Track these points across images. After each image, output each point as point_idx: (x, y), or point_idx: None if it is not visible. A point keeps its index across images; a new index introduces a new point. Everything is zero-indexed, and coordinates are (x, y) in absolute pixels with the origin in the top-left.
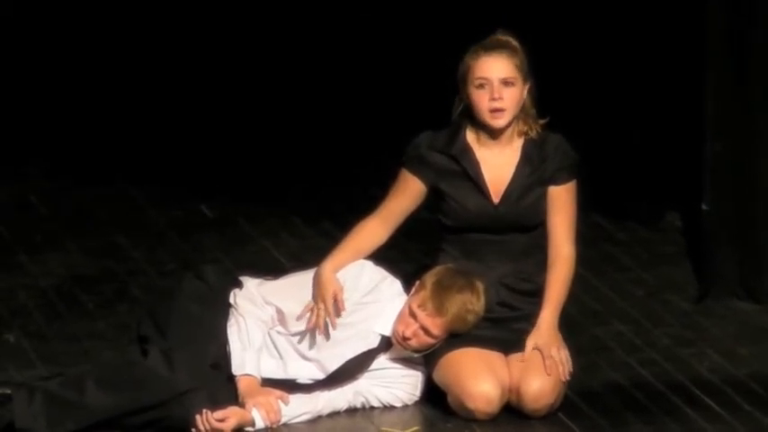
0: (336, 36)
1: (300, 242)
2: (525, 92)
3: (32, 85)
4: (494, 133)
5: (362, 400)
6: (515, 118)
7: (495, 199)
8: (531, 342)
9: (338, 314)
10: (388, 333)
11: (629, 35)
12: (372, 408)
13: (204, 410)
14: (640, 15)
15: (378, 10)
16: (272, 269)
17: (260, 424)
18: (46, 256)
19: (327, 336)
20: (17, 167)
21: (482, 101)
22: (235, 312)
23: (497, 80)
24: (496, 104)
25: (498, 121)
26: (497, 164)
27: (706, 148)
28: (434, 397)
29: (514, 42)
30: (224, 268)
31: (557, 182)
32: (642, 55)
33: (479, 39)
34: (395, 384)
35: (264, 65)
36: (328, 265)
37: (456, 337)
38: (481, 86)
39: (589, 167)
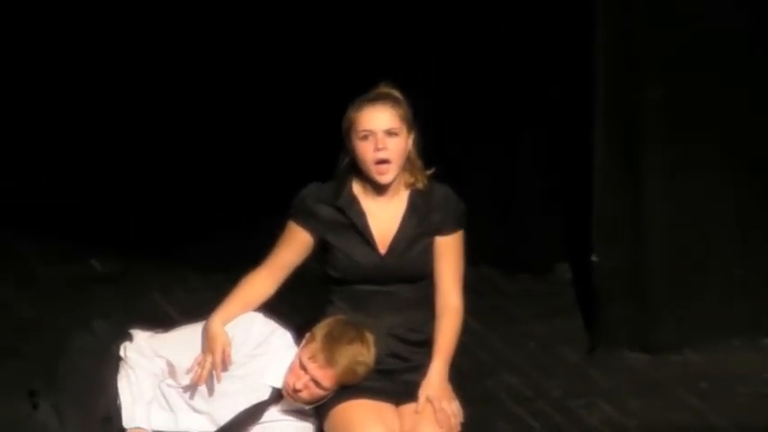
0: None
1: (190, 295)
2: (410, 142)
3: None
4: (379, 186)
5: None
6: (401, 169)
7: (382, 250)
8: (422, 393)
9: (225, 368)
10: (278, 385)
11: (519, 82)
12: None
13: None
14: (530, 64)
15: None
16: (163, 322)
17: None
18: None
19: (216, 388)
20: None
21: (367, 152)
22: (125, 365)
23: (381, 131)
24: (381, 155)
25: (384, 177)
26: (384, 215)
27: (594, 200)
28: None
29: (397, 94)
30: (114, 321)
31: (443, 232)
32: (532, 102)
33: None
34: None
35: (160, 127)
36: (217, 317)
37: (347, 389)
38: (365, 138)
39: (477, 218)
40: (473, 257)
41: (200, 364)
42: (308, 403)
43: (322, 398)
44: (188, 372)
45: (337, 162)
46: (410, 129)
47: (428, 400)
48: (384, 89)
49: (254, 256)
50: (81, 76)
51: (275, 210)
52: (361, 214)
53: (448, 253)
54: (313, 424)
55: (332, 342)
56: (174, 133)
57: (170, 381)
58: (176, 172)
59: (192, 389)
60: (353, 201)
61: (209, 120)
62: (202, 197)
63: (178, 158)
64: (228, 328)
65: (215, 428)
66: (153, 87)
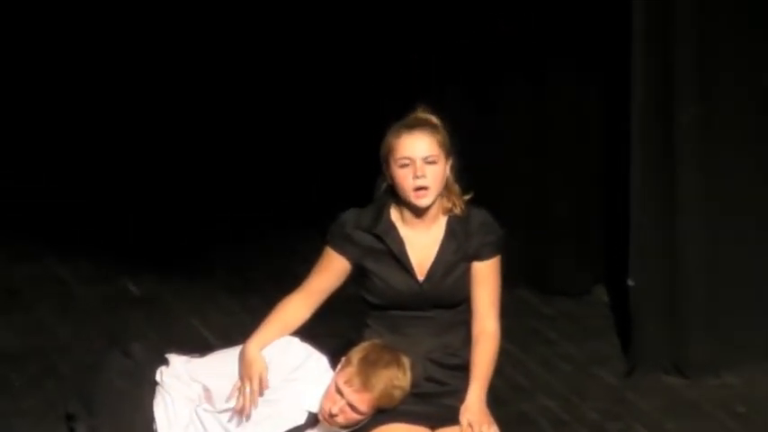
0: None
1: (227, 318)
2: (448, 169)
3: None
4: (418, 212)
5: None
6: (439, 195)
7: (420, 277)
8: (463, 418)
9: (262, 393)
10: (315, 410)
11: (549, 105)
12: None
13: None
14: (563, 88)
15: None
16: (199, 346)
17: None
18: None
19: (252, 413)
20: None
21: (405, 179)
22: (161, 390)
23: (420, 159)
24: (419, 182)
25: (422, 200)
26: (422, 242)
27: (631, 223)
28: None
29: (435, 120)
30: (151, 345)
31: (481, 257)
32: (566, 126)
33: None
34: None
35: (183, 143)
36: (254, 342)
37: (383, 413)
38: (404, 165)
39: (515, 241)
40: (509, 280)
41: (239, 389)
42: (345, 428)
43: (358, 422)
44: (228, 399)
45: (373, 185)
46: (448, 155)
47: (469, 424)
48: (422, 115)
49: (291, 279)
50: (108, 92)
51: (312, 233)
52: (399, 241)
53: (485, 278)
54: None
55: (368, 366)
56: (211, 157)
57: (206, 405)
58: (213, 196)
59: (228, 414)
60: (391, 227)
61: (243, 145)
62: (239, 221)
63: (215, 183)
64: (265, 352)
65: None
66: (190, 110)
